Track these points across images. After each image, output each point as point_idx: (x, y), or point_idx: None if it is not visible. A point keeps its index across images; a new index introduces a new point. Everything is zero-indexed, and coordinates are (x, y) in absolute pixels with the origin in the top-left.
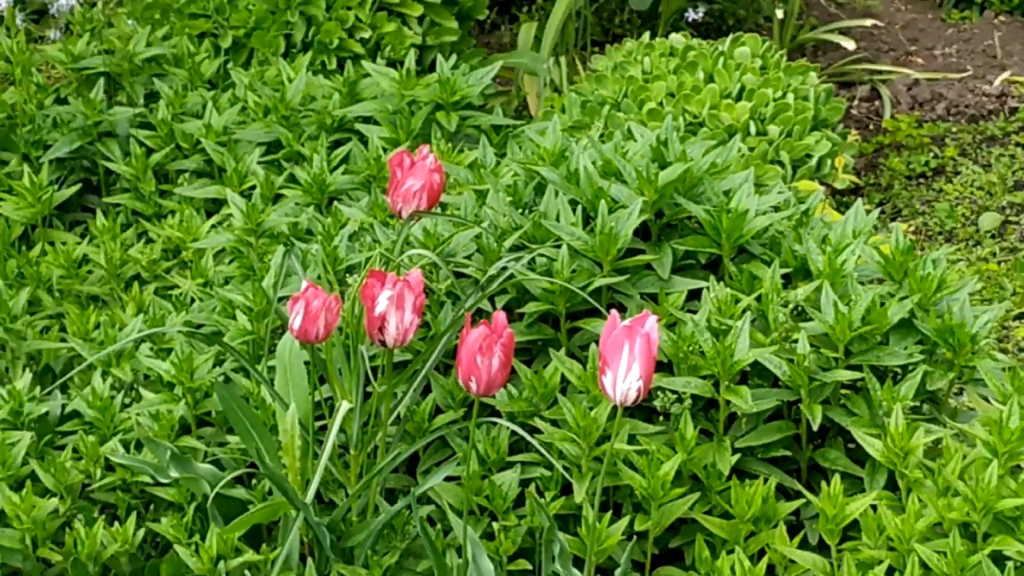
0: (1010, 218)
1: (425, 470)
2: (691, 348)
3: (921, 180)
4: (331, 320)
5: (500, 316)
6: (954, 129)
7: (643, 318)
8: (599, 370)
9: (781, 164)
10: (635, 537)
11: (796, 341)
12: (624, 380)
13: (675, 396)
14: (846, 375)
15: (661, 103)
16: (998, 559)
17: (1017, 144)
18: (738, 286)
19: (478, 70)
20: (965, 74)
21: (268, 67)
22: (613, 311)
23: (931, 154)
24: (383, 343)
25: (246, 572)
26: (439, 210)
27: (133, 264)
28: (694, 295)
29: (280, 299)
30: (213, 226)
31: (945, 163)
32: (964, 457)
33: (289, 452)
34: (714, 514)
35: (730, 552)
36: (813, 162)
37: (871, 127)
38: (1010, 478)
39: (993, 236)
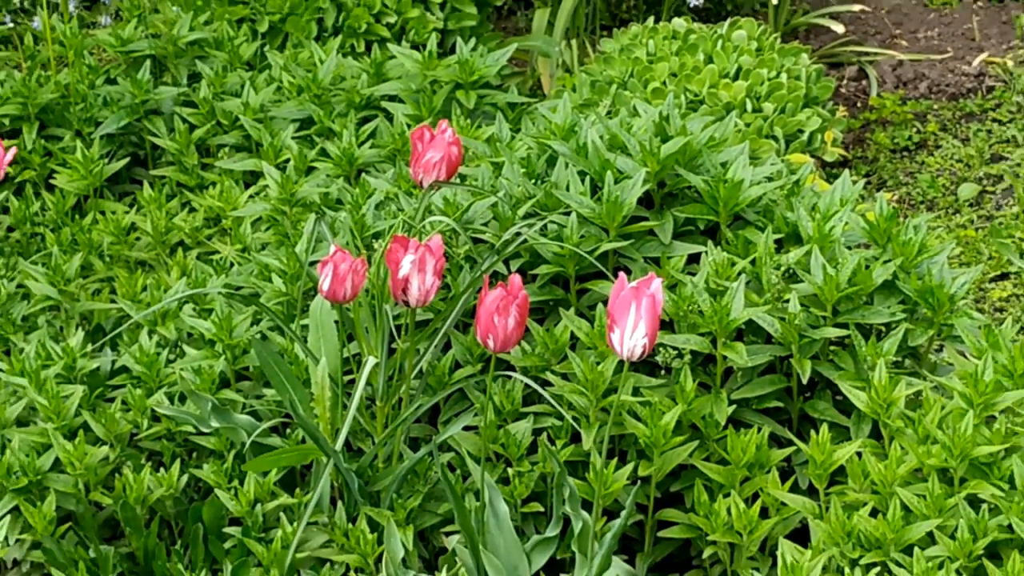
0: (987, 188)
1: (445, 420)
2: (691, 307)
3: (905, 153)
4: (357, 282)
5: (516, 279)
6: (935, 106)
7: (649, 280)
8: (607, 328)
9: (775, 139)
10: (639, 482)
11: (787, 301)
12: (631, 337)
13: (676, 352)
14: (833, 332)
15: (664, 82)
16: (973, 502)
17: (994, 120)
18: (734, 250)
19: (495, 52)
20: (946, 55)
21: (301, 50)
22: (622, 274)
23: (914, 129)
24: (406, 303)
25: (281, 514)
26: (458, 180)
27: (177, 231)
28: (693, 259)
29: (312, 263)
30: (251, 196)
31: (927, 137)
32: (942, 408)
33: (320, 403)
34: (712, 461)
35: (726, 496)
36: (804, 137)
37: (858, 104)
38: (984, 427)
39: (971, 205)
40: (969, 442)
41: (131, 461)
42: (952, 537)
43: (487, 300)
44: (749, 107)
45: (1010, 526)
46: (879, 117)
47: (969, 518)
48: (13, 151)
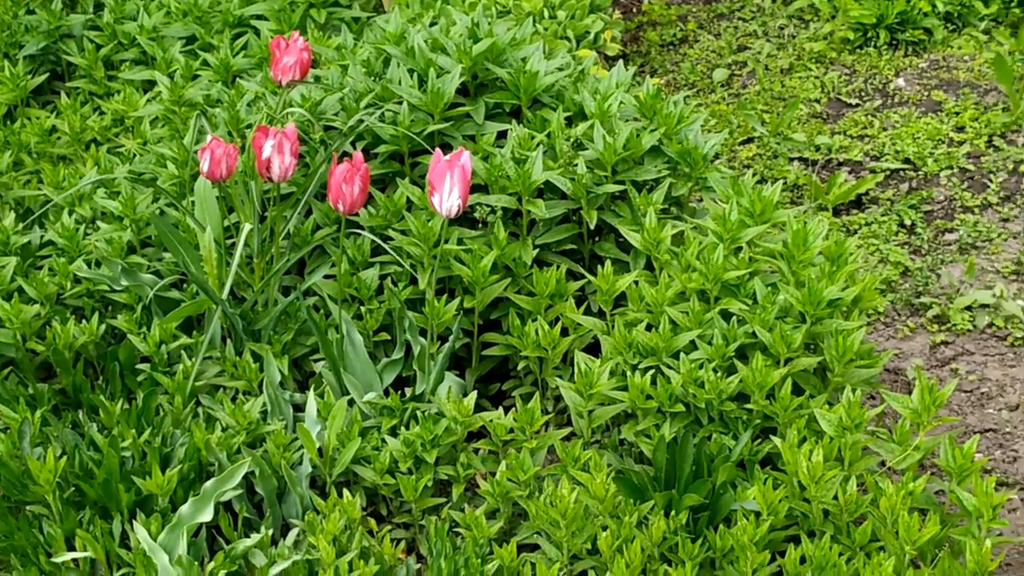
0: (735, 72)
1: (310, 271)
2: (501, 173)
3: (670, 47)
4: (231, 164)
5: (358, 155)
6: (694, 10)
7: (459, 154)
8: (428, 192)
9: (568, 39)
10: (464, 312)
11: (576, 165)
12: (448, 199)
13: (490, 209)
14: (613, 188)
15: None
16: (725, 315)
17: (739, 19)
18: (533, 127)
19: None
20: None
21: None
22: (438, 149)
23: (677, 28)
24: (270, 179)
25: (182, 352)
26: (312, 80)
27: (90, 131)
28: (502, 135)
29: (197, 152)
30: (148, 100)
31: (688, 34)
32: (700, 243)
33: (208, 263)
34: (522, 293)
35: (534, 320)
36: (591, 37)
37: (633, 11)
38: (732, 256)
39: (723, 85)
40: (721, 269)
41: (59, 316)
42: (709, 343)
43: (336, 172)
44: (546, 15)
45: (754, 333)
46: (650, 19)
47: (722, 328)
48: None
